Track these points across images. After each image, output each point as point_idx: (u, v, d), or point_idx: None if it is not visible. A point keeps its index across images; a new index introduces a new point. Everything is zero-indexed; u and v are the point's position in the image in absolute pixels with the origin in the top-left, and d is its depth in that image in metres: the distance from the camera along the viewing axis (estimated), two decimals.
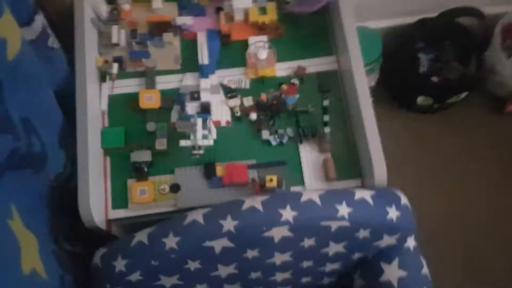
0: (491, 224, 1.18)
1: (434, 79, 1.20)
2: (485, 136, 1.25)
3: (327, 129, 0.76)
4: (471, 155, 1.24)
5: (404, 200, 0.71)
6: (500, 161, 1.23)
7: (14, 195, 0.59)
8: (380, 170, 0.71)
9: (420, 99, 1.21)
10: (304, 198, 0.65)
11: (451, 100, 1.22)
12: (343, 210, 0.65)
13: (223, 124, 0.80)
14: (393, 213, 0.68)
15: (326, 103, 0.76)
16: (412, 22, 1.16)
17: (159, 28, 0.84)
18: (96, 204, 0.72)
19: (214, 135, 0.76)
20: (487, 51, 1.16)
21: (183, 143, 0.72)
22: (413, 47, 1.19)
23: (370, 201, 0.67)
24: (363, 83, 0.75)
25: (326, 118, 0.76)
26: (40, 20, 0.68)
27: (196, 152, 0.73)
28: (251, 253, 0.67)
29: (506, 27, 1.14)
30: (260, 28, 0.84)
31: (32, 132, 0.62)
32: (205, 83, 0.81)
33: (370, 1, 1.04)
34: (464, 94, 1.21)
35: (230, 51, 0.84)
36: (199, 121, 0.73)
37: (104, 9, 0.84)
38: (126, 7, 0.85)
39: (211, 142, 0.73)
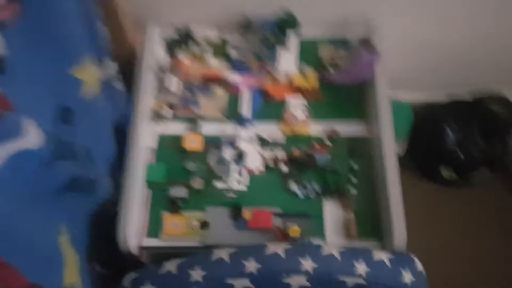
0: None
1: (459, 152, 1.25)
2: (507, 217, 1.27)
3: (353, 190, 0.82)
4: (489, 233, 1.25)
5: (419, 266, 0.74)
6: None
7: (66, 214, 0.67)
8: (400, 233, 0.75)
9: (444, 171, 1.25)
10: (325, 251, 0.69)
11: (474, 177, 1.25)
12: (361, 268, 0.69)
13: (256, 172, 0.87)
14: (408, 278, 0.71)
15: (355, 166, 0.82)
16: (441, 97, 1.24)
17: (210, 81, 0.94)
18: (133, 230, 0.78)
19: (246, 181, 0.83)
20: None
21: (218, 185, 0.79)
22: (441, 120, 1.25)
23: (388, 263, 0.71)
24: (391, 150, 0.81)
25: (354, 180, 0.82)
26: (110, 65, 0.79)
27: (229, 194, 0.80)
28: None
29: None
30: (300, 91, 0.93)
31: (91, 161, 0.71)
32: (243, 133, 0.89)
33: (405, 74, 1.12)
34: (487, 173, 1.24)
35: (270, 108, 0.92)
36: (235, 167, 0.80)
37: (164, 60, 0.96)
38: (184, 60, 0.96)
39: (244, 188, 0.80)
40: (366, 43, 0.91)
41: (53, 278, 0.58)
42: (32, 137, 0.50)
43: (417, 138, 1.26)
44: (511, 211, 1.27)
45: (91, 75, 0.66)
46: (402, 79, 1.13)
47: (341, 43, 0.97)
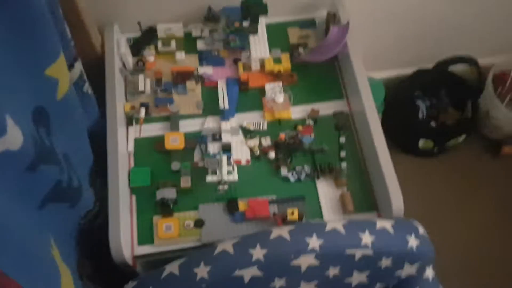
0: (494, 252, 1.21)
1: (433, 123, 1.28)
2: (483, 176, 1.31)
3: (343, 164, 0.81)
4: (471, 194, 1.29)
5: (422, 229, 0.74)
6: (497, 198, 1.28)
7: (52, 227, 0.62)
8: (397, 200, 0.75)
9: (421, 143, 1.28)
10: (328, 227, 0.68)
11: (450, 143, 1.28)
12: (366, 238, 0.68)
13: (244, 163, 0.84)
14: (413, 242, 0.70)
15: (342, 139, 0.82)
16: (410, 73, 1.26)
17: (182, 77, 0.91)
18: (125, 240, 0.74)
19: (235, 173, 0.80)
20: (481, 97, 1.25)
21: (209, 178, 0.76)
22: (411, 95, 1.28)
23: (391, 230, 0.70)
24: (376, 122, 0.81)
25: (343, 153, 0.81)
26: (78, 67, 0.74)
27: (221, 187, 0.77)
28: (278, 282, 0.68)
29: (497, 76, 1.24)
30: (275, 76, 0.91)
31: (71, 167, 0.66)
32: (225, 125, 0.87)
33: (372, 51, 1.14)
34: (462, 138, 1.28)
35: (248, 97, 0.91)
36: (224, 157, 0.77)
37: (130, 60, 0.92)
38: (151, 58, 0.92)
39: (236, 178, 0.77)
40: (333, 18, 0.91)
41: None
42: (13, 137, 0.45)
43: (389, 113, 1.28)
44: (484, 170, 1.32)
45: (65, 74, 0.61)
46: (372, 59, 1.15)
47: (309, 24, 0.97)
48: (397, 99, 1.28)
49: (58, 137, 0.62)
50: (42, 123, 0.56)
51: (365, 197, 0.81)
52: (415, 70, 1.27)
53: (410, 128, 1.28)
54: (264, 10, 0.87)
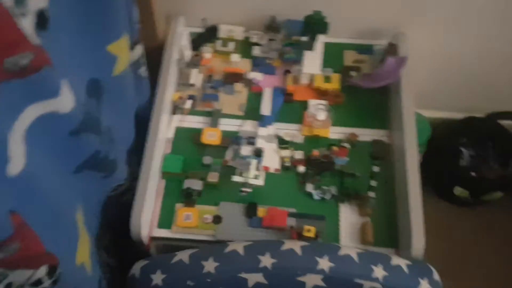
0: None
1: (473, 174, 1.23)
2: None
3: (371, 194, 0.80)
4: (499, 253, 1.22)
5: (437, 276, 0.72)
6: None
7: (82, 192, 0.66)
8: (418, 242, 0.73)
9: (457, 190, 1.23)
10: (342, 252, 0.67)
11: (486, 197, 1.23)
12: (378, 272, 0.67)
13: (272, 170, 0.85)
14: (425, 286, 0.69)
15: (375, 169, 0.81)
16: (458, 118, 1.23)
17: (232, 78, 0.94)
18: (146, 220, 0.77)
19: (263, 177, 0.82)
20: None
21: (236, 178, 0.78)
22: (457, 140, 1.24)
23: (406, 269, 0.69)
24: (414, 159, 0.79)
25: (373, 183, 0.81)
26: (139, 50, 0.79)
27: (245, 189, 0.78)
28: None
29: None
30: (321, 94, 0.92)
31: (112, 141, 0.71)
32: (262, 131, 0.88)
33: (424, 89, 1.12)
34: (500, 194, 1.23)
35: (291, 109, 0.92)
36: (254, 162, 0.79)
37: (188, 53, 0.96)
38: (207, 55, 0.96)
39: (261, 183, 0.78)
40: (392, 49, 0.91)
41: (67, 252, 0.57)
42: (66, 100, 0.49)
43: (431, 155, 1.25)
44: None
45: (125, 53, 0.66)
46: (422, 96, 1.13)
47: (366, 49, 0.97)
48: (441, 141, 1.25)
49: (106, 111, 0.66)
50: (94, 95, 0.61)
51: (387, 232, 0.80)
52: (466, 116, 1.23)
53: (448, 173, 1.24)
54: (324, 29, 0.88)
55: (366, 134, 0.89)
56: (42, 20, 0.45)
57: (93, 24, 0.56)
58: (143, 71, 0.82)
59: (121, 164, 0.76)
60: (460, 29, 0.96)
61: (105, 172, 0.70)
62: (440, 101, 1.20)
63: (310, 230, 0.76)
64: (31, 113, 0.46)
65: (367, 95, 0.92)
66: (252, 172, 0.78)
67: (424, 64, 1.04)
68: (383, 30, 0.97)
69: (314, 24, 0.87)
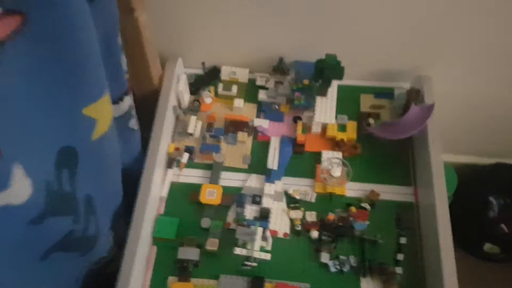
0: None
1: (503, 227, 1.11)
2: None
3: (398, 269, 0.68)
4: None
5: None
6: None
7: (52, 277, 0.55)
8: None
9: (487, 246, 1.11)
10: None
11: None
12: None
13: (280, 235, 0.74)
14: None
15: (403, 240, 0.69)
16: (487, 164, 1.11)
17: (235, 126, 0.84)
18: None
19: (269, 247, 0.70)
20: None
21: (238, 251, 0.66)
22: (485, 189, 1.12)
23: None
24: (446, 223, 0.68)
25: (400, 257, 0.69)
26: (128, 102, 0.69)
27: (249, 263, 0.67)
28: None
29: None
30: (336, 144, 0.82)
31: (91, 213, 0.60)
32: (269, 188, 0.77)
33: (448, 133, 1.01)
34: None
35: (301, 161, 0.81)
36: (259, 230, 0.68)
37: (187, 99, 0.86)
38: (208, 100, 0.86)
39: (268, 257, 0.67)
40: (415, 94, 0.80)
41: None
42: (20, 189, 0.39)
43: (457, 206, 1.13)
44: None
45: (107, 113, 0.55)
46: (446, 140, 1.02)
47: (386, 93, 0.87)
48: (468, 190, 1.13)
49: (84, 180, 0.55)
50: (67, 164, 0.51)
51: None
52: (494, 163, 1.11)
53: (477, 228, 1.12)
54: (339, 75, 0.78)
55: (388, 192, 0.77)
56: None
57: (64, 88, 0.46)
58: (134, 123, 0.73)
59: (104, 237, 0.65)
60: (487, 69, 0.86)
61: (82, 251, 0.59)
62: (466, 145, 1.09)
63: None
64: None
65: (387, 146, 0.81)
66: (258, 243, 0.66)
67: (448, 107, 0.94)
68: (403, 72, 0.87)
69: (327, 70, 0.77)
